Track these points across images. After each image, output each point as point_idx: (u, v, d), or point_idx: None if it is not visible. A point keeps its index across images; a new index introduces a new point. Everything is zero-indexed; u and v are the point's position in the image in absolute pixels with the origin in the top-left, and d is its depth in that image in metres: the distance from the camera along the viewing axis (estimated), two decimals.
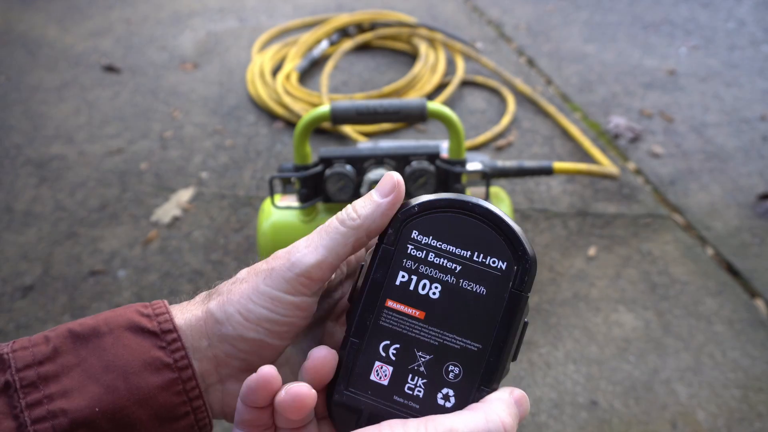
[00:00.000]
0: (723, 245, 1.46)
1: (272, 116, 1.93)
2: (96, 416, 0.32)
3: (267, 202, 1.15)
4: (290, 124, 1.89)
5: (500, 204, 1.17)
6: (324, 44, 2.18)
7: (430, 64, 2.05)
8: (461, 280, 0.36)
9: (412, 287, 0.36)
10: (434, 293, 0.36)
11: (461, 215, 0.36)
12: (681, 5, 2.59)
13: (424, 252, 0.36)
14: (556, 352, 1.24)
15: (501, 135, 1.83)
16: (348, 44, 2.15)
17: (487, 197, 1.09)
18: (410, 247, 0.36)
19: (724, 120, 1.88)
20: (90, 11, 2.68)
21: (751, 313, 1.30)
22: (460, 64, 2.09)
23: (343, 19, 2.25)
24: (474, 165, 1.13)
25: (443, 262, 0.36)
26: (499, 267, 0.36)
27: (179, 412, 0.34)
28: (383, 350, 0.36)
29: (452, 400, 0.35)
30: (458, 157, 1.08)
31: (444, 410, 0.35)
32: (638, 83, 2.07)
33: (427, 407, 0.35)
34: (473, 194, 1.05)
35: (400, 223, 0.36)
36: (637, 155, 1.75)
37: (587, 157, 1.71)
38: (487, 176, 1.06)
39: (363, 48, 2.25)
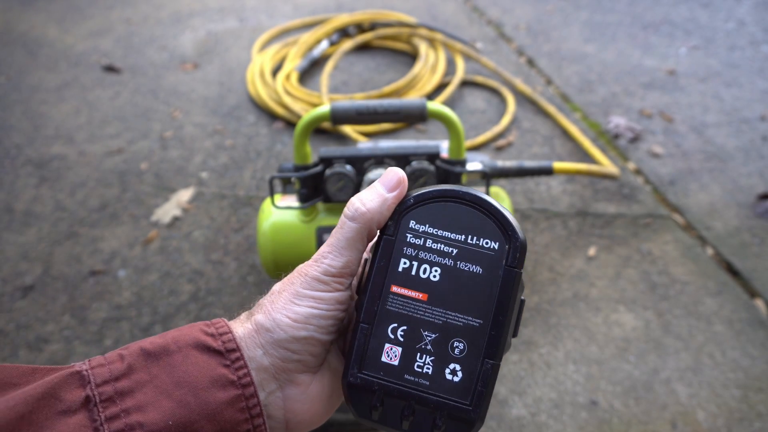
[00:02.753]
0: (723, 245, 1.46)
1: (272, 116, 1.93)
2: (169, 430, 0.34)
3: (267, 202, 1.15)
4: (290, 124, 1.88)
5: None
6: (324, 44, 2.18)
7: (430, 64, 2.05)
8: (458, 262, 0.38)
9: (414, 272, 0.39)
10: (435, 276, 0.38)
11: (453, 203, 0.39)
12: (681, 5, 2.59)
13: (422, 239, 0.39)
14: (556, 352, 1.24)
15: (501, 135, 1.83)
16: (348, 44, 2.15)
17: None
18: (409, 235, 0.39)
19: (724, 120, 1.88)
20: (90, 11, 2.68)
21: (751, 313, 1.30)
22: (460, 64, 2.09)
23: (343, 19, 2.25)
24: (474, 165, 1.13)
25: (440, 247, 0.39)
26: (492, 247, 0.38)
27: (241, 429, 0.36)
28: (392, 332, 0.38)
29: (459, 374, 0.37)
30: (458, 157, 1.08)
31: (452, 384, 0.37)
32: (638, 83, 2.07)
33: (437, 382, 0.37)
34: None
35: (398, 215, 0.39)
36: (637, 155, 1.75)
37: (587, 157, 1.71)
38: (487, 176, 1.05)
39: (363, 48, 2.25)
